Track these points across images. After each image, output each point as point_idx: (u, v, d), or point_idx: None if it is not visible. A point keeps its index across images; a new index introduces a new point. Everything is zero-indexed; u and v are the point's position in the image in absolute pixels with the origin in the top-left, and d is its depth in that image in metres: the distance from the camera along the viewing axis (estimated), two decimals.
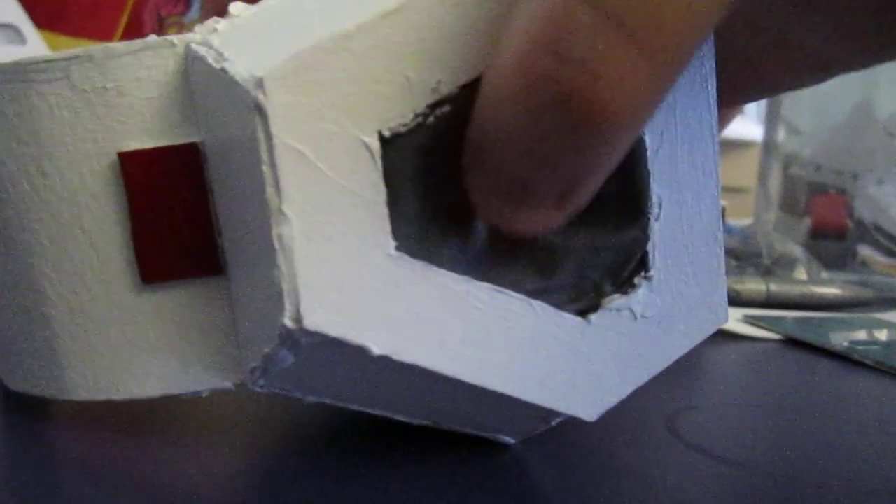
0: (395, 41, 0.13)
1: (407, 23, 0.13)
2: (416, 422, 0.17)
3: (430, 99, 0.14)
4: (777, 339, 0.33)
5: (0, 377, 0.18)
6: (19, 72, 0.16)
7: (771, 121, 0.54)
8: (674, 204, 0.17)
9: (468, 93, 0.14)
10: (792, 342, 0.32)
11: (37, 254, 0.16)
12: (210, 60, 0.14)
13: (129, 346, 0.16)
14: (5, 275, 0.17)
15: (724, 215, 0.52)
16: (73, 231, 0.16)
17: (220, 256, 0.16)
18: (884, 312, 0.39)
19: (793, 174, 0.52)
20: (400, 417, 0.17)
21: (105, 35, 0.41)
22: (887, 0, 0.15)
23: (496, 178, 0.13)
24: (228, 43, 0.14)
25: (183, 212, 0.15)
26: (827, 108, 0.49)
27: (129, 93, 0.15)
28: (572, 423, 0.17)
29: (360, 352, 0.13)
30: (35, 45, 0.36)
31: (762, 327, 0.34)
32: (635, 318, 0.16)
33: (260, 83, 0.12)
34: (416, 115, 0.14)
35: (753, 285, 0.38)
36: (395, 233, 0.14)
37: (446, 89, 0.14)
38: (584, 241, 0.16)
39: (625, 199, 0.16)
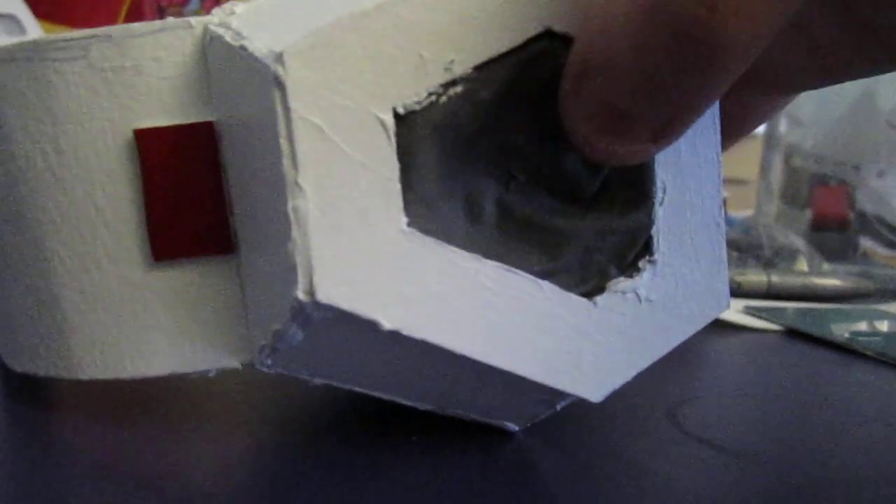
0: (410, 20, 0.14)
1: (422, 3, 0.14)
2: (421, 407, 0.17)
3: (444, 78, 0.14)
4: (778, 330, 0.33)
5: (3, 359, 0.18)
6: (38, 50, 0.16)
7: None
8: (677, 190, 0.17)
9: (479, 75, 0.14)
10: (793, 333, 0.32)
11: (49, 232, 0.16)
12: (228, 39, 0.14)
13: (139, 325, 0.16)
14: (15, 253, 0.17)
15: (725, 207, 0.52)
16: (86, 209, 0.16)
17: (232, 235, 0.16)
18: (885, 304, 0.39)
19: (794, 166, 0.52)
20: (405, 402, 0.17)
21: (104, 25, 0.41)
22: None
23: (597, 108, 0.13)
24: (246, 24, 0.14)
25: (196, 190, 0.16)
26: (829, 99, 0.49)
27: (146, 72, 0.16)
28: (574, 411, 0.17)
29: (371, 326, 0.13)
30: (34, 35, 0.36)
31: (763, 319, 0.34)
32: (640, 301, 0.17)
33: (279, 58, 0.13)
34: (430, 94, 0.14)
35: (755, 277, 0.38)
36: (407, 209, 0.14)
37: (459, 69, 0.14)
38: (590, 225, 0.16)
39: (631, 183, 0.16)
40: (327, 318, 0.13)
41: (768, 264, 0.45)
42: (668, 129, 0.13)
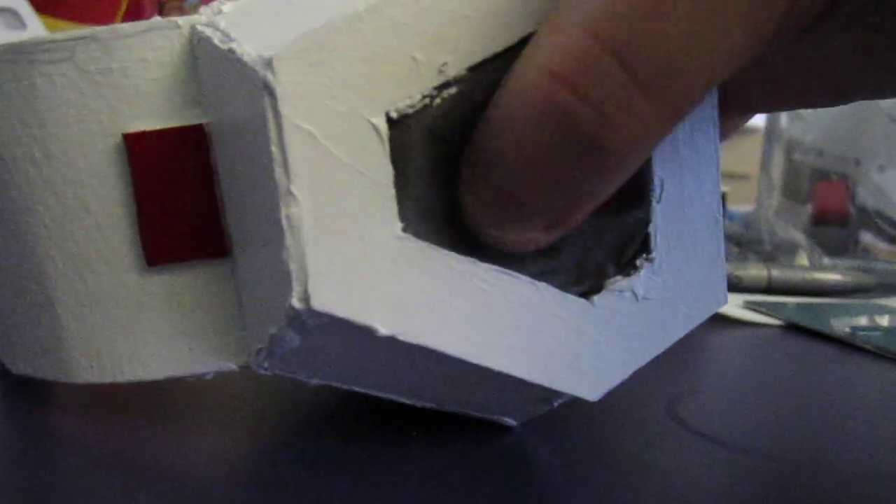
0: (402, 22, 0.13)
1: (415, 5, 0.13)
2: (419, 404, 0.17)
3: (437, 80, 0.14)
4: (778, 324, 0.33)
5: (2, 361, 0.18)
6: (23, 52, 0.16)
7: None
8: (675, 186, 0.17)
9: (474, 76, 0.14)
10: (793, 328, 0.32)
11: (41, 236, 0.16)
12: (216, 41, 0.14)
13: (134, 329, 0.16)
14: (8, 258, 0.17)
15: (725, 201, 0.52)
16: (77, 213, 0.16)
17: (226, 239, 0.15)
18: (885, 298, 0.39)
19: (795, 160, 0.52)
20: (404, 400, 0.17)
21: (105, 20, 0.41)
22: None
23: (494, 195, 0.14)
24: (234, 24, 0.14)
25: (188, 193, 0.15)
26: None
27: (134, 74, 0.15)
28: (573, 406, 0.17)
29: (367, 332, 0.13)
30: (35, 29, 0.36)
31: (764, 313, 0.34)
32: (637, 299, 0.16)
33: (269, 63, 0.12)
34: (423, 97, 0.14)
35: (755, 271, 0.38)
36: (402, 214, 0.14)
37: (453, 71, 0.14)
38: (587, 223, 0.16)
39: (629, 181, 0.16)
40: (323, 324, 0.13)
41: (769, 259, 0.45)
42: (561, 219, 0.14)
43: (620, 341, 0.16)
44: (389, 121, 0.13)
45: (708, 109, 0.17)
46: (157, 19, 0.15)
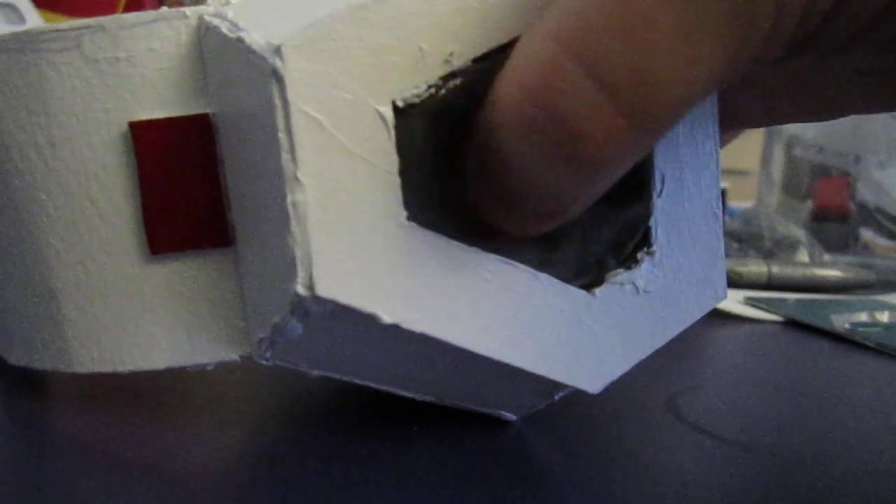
0: (409, 12, 0.13)
1: None
2: (419, 398, 0.17)
3: (443, 71, 0.14)
4: (778, 321, 0.33)
5: None
6: (30, 41, 0.16)
7: None
8: (675, 181, 0.17)
9: (479, 66, 0.14)
10: (793, 324, 0.32)
11: (44, 225, 0.16)
12: (224, 31, 0.14)
13: (136, 318, 0.16)
14: (10, 246, 0.17)
15: (726, 198, 0.52)
16: (81, 202, 0.16)
17: (230, 228, 0.16)
18: (885, 295, 0.39)
19: (796, 156, 0.52)
20: (404, 393, 0.17)
21: (105, 14, 0.41)
22: None
23: (493, 188, 0.14)
24: (243, 14, 0.14)
25: (193, 182, 0.15)
26: None
27: (141, 63, 0.15)
28: (573, 402, 0.17)
29: (370, 320, 0.13)
30: (34, 24, 0.36)
31: (764, 309, 0.34)
32: (638, 292, 0.17)
33: (277, 51, 0.13)
34: (429, 87, 0.14)
35: (755, 267, 0.38)
36: (407, 202, 0.14)
37: (459, 62, 0.14)
38: (588, 216, 0.16)
39: (630, 175, 0.16)
40: (327, 311, 0.13)
41: (769, 255, 0.45)
42: (556, 213, 0.14)
43: (621, 334, 0.16)
44: (395, 109, 0.13)
45: (708, 106, 0.17)
46: (165, 9, 0.15)
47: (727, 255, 0.46)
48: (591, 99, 0.12)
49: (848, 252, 0.48)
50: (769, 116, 0.18)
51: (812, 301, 0.36)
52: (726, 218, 0.49)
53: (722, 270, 0.18)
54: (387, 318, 0.13)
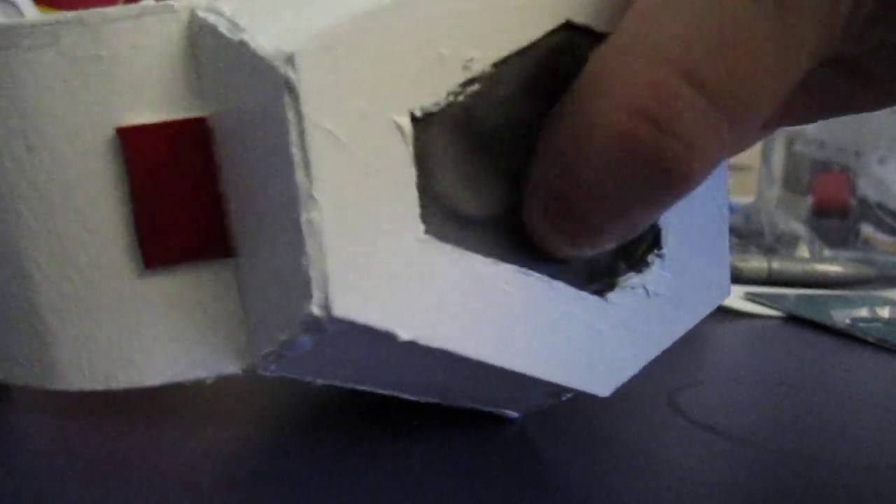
0: (429, 16, 0.13)
1: None
2: (423, 400, 0.17)
3: (462, 77, 0.13)
4: (779, 316, 0.33)
5: None
6: (1, 36, 0.14)
7: None
8: None
9: (496, 71, 0.13)
10: (794, 320, 0.32)
11: (23, 236, 0.15)
12: (223, 30, 0.13)
13: (130, 333, 0.15)
14: None
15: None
16: (64, 212, 0.15)
17: (230, 239, 0.15)
18: (886, 290, 0.39)
19: (796, 152, 0.51)
20: (409, 396, 0.17)
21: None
22: None
23: (571, 222, 0.14)
24: (241, 11, 0.13)
25: (189, 191, 0.14)
26: None
27: (126, 62, 0.14)
28: (576, 398, 0.17)
29: (387, 337, 0.13)
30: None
31: (764, 305, 0.34)
32: (648, 294, 0.16)
33: (291, 59, 0.12)
34: (448, 94, 0.13)
35: (756, 263, 0.38)
36: (424, 216, 0.13)
37: (478, 67, 0.13)
38: None
39: None
40: (341, 330, 0.13)
41: (769, 250, 0.45)
42: (631, 234, 0.15)
43: (632, 336, 0.16)
44: (413, 119, 0.13)
45: None
46: (150, 2, 0.14)
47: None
48: (700, 111, 0.12)
49: (848, 247, 0.48)
50: (786, 117, 0.18)
51: (812, 296, 0.36)
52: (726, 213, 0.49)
53: (726, 269, 0.18)
54: (404, 336, 0.13)
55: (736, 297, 0.34)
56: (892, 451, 0.18)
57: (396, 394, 0.16)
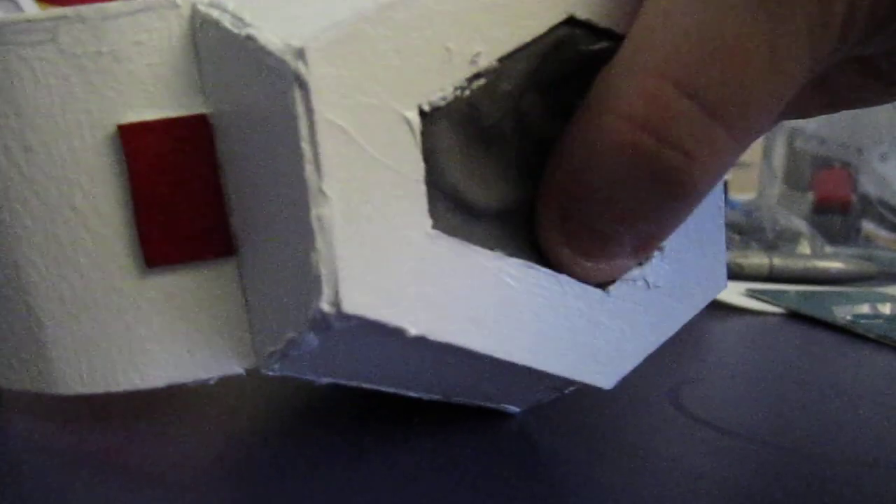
0: (437, 11, 0.13)
1: None
2: (426, 397, 0.17)
3: (469, 72, 0.13)
4: (780, 312, 0.33)
5: None
6: None
7: None
8: None
9: (501, 66, 0.14)
10: (795, 316, 0.32)
11: (20, 237, 0.15)
12: (228, 25, 0.13)
13: (131, 335, 0.15)
14: None
15: (727, 190, 0.52)
16: (62, 212, 0.15)
17: (232, 236, 0.15)
18: (887, 286, 0.39)
19: (797, 148, 0.51)
20: (413, 394, 0.17)
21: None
22: None
23: (580, 232, 0.14)
24: (245, 5, 0.13)
25: (192, 189, 0.14)
26: None
27: (127, 58, 0.14)
28: (577, 394, 0.17)
29: (396, 333, 0.13)
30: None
31: (765, 301, 0.34)
32: (649, 287, 0.16)
33: (301, 54, 0.12)
34: (455, 89, 0.13)
35: (757, 259, 0.38)
36: (431, 210, 0.13)
37: (485, 62, 0.13)
38: None
39: None
40: (350, 326, 0.13)
41: (770, 247, 0.45)
42: (644, 247, 0.15)
43: (633, 329, 0.16)
44: (421, 113, 0.13)
45: None
46: None
47: (729, 248, 0.46)
48: (702, 125, 0.13)
49: (850, 244, 0.48)
50: (794, 112, 0.18)
51: (814, 293, 0.36)
52: (727, 210, 0.49)
53: (723, 261, 0.18)
54: (413, 331, 0.13)
55: (737, 294, 0.34)
56: (894, 447, 0.18)
57: (398, 391, 0.16)
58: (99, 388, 0.15)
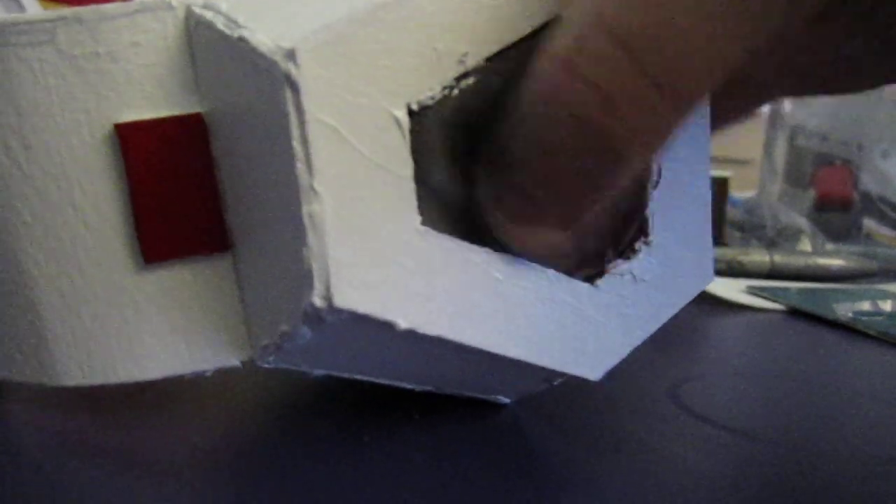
0: (426, 12, 0.13)
1: None
2: (418, 388, 0.17)
3: (457, 71, 0.13)
4: (781, 310, 0.33)
5: None
6: None
7: None
8: (669, 170, 0.17)
9: (490, 66, 0.14)
10: (796, 313, 0.32)
11: (20, 234, 0.15)
12: (221, 27, 0.13)
13: (129, 329, 0.15)
14: None
15: (728, 187, 0.52)
16: (62, 209, 0.15)
17: (228, 232, 0.15)
18: (888, 284, 0.39)
19: (798, 145, 0.51)
20: (404, 385, 0.17)
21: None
22: None
23: (512, 191, 0.14)
24: (238, 7, 0.13)
25: (187, 186, 0.15)
26: None
27: (124, 59, 0.14)
28: (577, 390, 0.17)
29: (387, 327, 0.13)
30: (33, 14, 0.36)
31: (766, 298, 0.34)
32: (636, 280, 0.17)
33: (291, 55, 0.12)
34: (444, 88, 0.13)
35: (758, 256, 0.38)
36: (420, 207, 0.13)
37: (472, 62, 0.14)
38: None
39: None
40: (342, 320, 0.13)
41: (771, 244, 0.45)
42: (573, 213, 0.14)
43: (620, 321, 0.17)
44: (410, 112, 0.13)
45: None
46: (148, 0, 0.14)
47: (729, 245, 0.46)
48: (630, 77, 0.12)
49: (851, 241, 0.48)
50: (793, 89, 0.18)
51: (815, 290, 0.36)
52: (729, 207, 0.49)
53: (709, 254, 0.18)
54: (403, 324, 0.13)
55: (738, 291, 0.34)
56: (894, 443, 0.18)
57: (392, 383, 0.17)
58: (98, 379, 0.16)
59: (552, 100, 0.12)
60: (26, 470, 0.14)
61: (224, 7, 0.13)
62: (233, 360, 0.15)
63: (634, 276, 0.17)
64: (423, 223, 0.13)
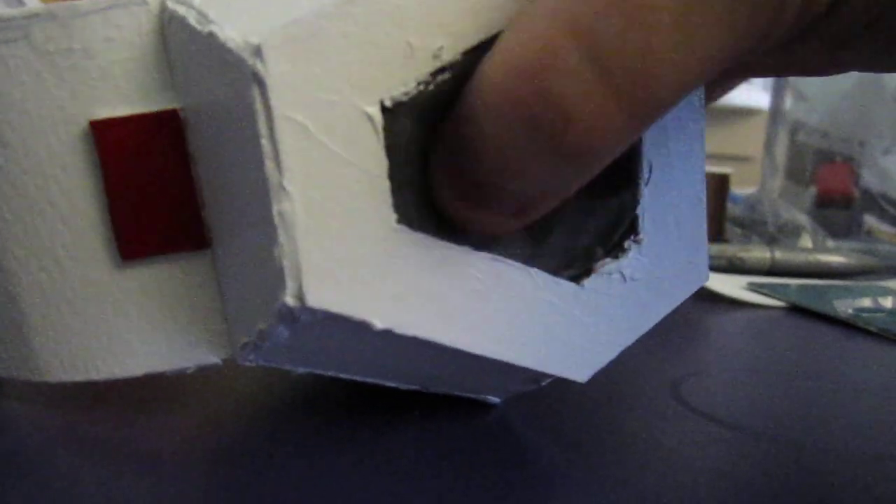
0: (397, 5, 0.13)
1: None
2: (404, 387, 0.17)
3: (432, 66, 0.13)
4: (781, 306, 0.33)
5: None
6: None
7: (778, 88, 0.53)
8: (662, 168, 0.17)
9: (466, 60, 0.13)
10: (796, 309, 0.32)
11: (0, 230, 0.15)
12: (192, 22, 0.13)
13: (109, 325, 0.15)
14: None
15: (729, 183, 0.52)
16: (40, 205, 0.15)
17: (206, 229, 0.15)
18: (888, 280, 0.39)
19: (799, 142, 0.51)
20: (390, 384, 0.17)
21: None
22: None
23: (461, 180, 0.13)
24: (210, 2, 0.13)
25: (164, 183, 0.14)
26: (835, 76, 0.49)
27: (98, 54, 0.14)
28: (577, 387, 0.17)
29: (362, 326, 0.13)
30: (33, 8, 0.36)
31: (767, 295, 0.34)
32: (625, 280, 0.16)
33: (257, 51, 0.12)
34: (418, 84, 0.13)
35: (758, 253, 0.38)
36: (396, 203, 0.13)
37: (448, 56, 0.13)
38: (576, 206, 0.16)
39: (618, 164, 0.16)
40: (316, 319, 0.13)
41: (772, 241, 0.45)
42: (527, 209, 0.13)
43: (608, 322, 0.16)
44: (383, 109, 0.13)
45: (695, 93, 0.17)
46: None
47: (730, 242, 0.46)
48: (585, 80, 0.11)
49: (851, 238, 0.48)
50: (775, 70, 0.17)
51: (815, 287, 0.36)
52: (729, 204, 0.49)
53: (704, 253, 0.18)
54: (379, 324, 0.13)
55: (738, 288, 0.34)
56: (894, 440, 0.18)
57: (377, 381, 0.17)
58: (79, 375, 0.16)
59: (503, 106, 0.12)
60: (23, 466, 0.14)
61: (196, 2, 0.13)
62: (213, 359, 0.15)
63: (624, 276, 0.16)
64: (399, 221, 0.13)
